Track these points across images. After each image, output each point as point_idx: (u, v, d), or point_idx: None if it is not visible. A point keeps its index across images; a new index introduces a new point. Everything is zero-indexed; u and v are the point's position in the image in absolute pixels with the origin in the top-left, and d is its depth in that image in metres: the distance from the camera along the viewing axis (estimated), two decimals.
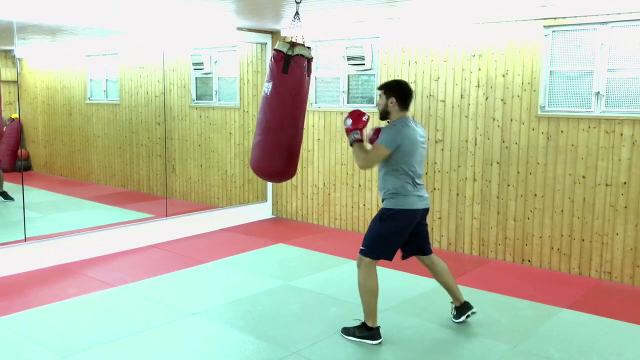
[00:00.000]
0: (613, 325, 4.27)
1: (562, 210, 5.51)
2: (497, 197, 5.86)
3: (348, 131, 3.85)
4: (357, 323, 3.98)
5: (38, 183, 9.06)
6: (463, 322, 4.18)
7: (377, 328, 3.89)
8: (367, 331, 3.88)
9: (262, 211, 7.75)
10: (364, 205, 6.89)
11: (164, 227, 6.58)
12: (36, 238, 5.58)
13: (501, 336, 4.02)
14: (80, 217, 7.51)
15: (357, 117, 3.83)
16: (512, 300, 4.72)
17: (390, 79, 6.44)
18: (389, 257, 3.90)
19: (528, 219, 5.71)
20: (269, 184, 7.77)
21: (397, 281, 5.18)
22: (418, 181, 3.84)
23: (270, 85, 4.04)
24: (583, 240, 5.41)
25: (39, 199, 7.93)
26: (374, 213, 6.76)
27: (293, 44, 4.01)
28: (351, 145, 3.85)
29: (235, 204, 7.86)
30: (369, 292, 3.86)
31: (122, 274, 5.33)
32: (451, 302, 4.23)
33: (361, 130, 3.82)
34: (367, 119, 3.85)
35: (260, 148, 4.17)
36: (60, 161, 9.93)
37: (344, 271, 5.48)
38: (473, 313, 4.16)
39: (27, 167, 9.88)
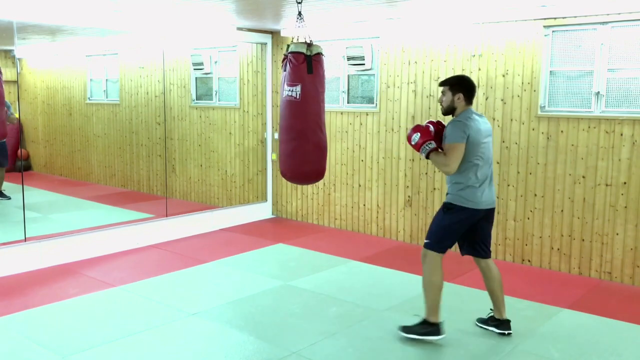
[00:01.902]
0: (613, 325, 4.27)
1: (562, 210, 5.50)
2: (497, 197, 5.86)
3: (418, 146, 3.86)
4: (417, 320, 3.94)
5: (38, 183, 9.05)
6: (481, 327, 4.13)
7: (440, 323, 3.88)
8: (430, 327, 3.87)
9: (262, 211, 7.75)
10: (364, 205, 6.89)
11: (164, 227, 6.58)
12: (36, 238, 5.58)
13: (501, 336, 4.02)
14: (80, 217, 7.51)
15: (425, 130, 3.87)
16: (512, 300, 4.71)
17: (391, 79, 6.47)
18: (448, 248, 3.90)
19: (528, 219, 5.71)
20: (269, 184, 7.78)
21: (397, 281, 5.18)
22: (485, 176, 3.83)
23: (298, 88, 3.97)
24: (583, 240, 5.41)
25: (39, 199, 7.93)
26: (374, 213, 6.78)
27: (308, 44, 4.01)
28: (427, 157, 3.86)
29: (235, 204, 7.86)
30: (434, 287, 3.84)
31: (122, 274, 5.33)
32: (491, 309, 4.13)
33: (432, 139, 3.85)
34: (432, 130, 3.89)
35: (302, 152, 4.06)
36: (60, 161, 9.93)
37: (344, 271, 5.48)
38: (509, 334, 4.01)
39: (27, 167, 9.87)
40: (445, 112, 3.92)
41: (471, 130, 3.73)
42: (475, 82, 5.84)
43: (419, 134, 3.86)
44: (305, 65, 3.97)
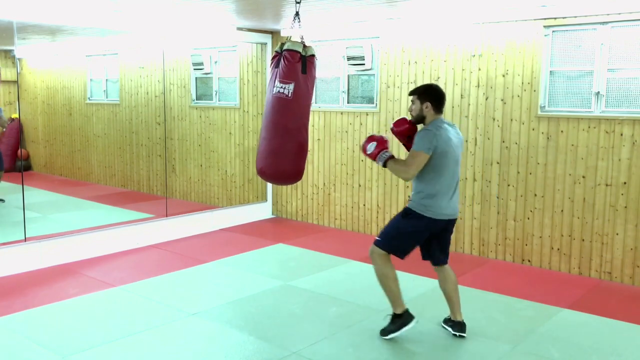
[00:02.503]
0: (613, 325, 4.27)
1: (562, 210, 5.51)
2: (497, 197, 5.86)
3: (374, 155, 3.86)
4: (388, 319, 3.97)
5: (38, 183, 9.05)
6: (443, 327, 4.15)
7: (406, 311, 3.91)
8: (400, 319, 3.90)
9: (262, 211, 7.75)
10: (364, 205, 6.89)
11: (164, 227, 6.58)
12: (36, 238, 5.58)
13: (501, 336, 4.02)
14: (80, 217, 7.51)
15: (381, 140, 3.87)
16: (512, 300, 4.72)
17: (391, 79, 6.47)
18: (401, 256, 3.89)
19: (528, 219, 5.71)
20: (269, 184, 7.77)
21: None
22: (449, 186, 3.80)
23: (291, 86, 3.96)
24: (583, 240, 5.41)
25: (39, 199, 7.93)
26: (374, 213, 6.78)
27: (304, 44, 4.01)
28: (384, 166, 3.85)
29: (235, 204, 7.86)
30: (389, 279, 3.87)
31: (122, 274, 5.33)
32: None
33: (388, 149, 3.87)
34: (388, 139, 3.91)
35: (285, 151, 4.05)
36: (60, 161, 9.93)
37: (344, 271, 5.48)
38: (461, 336, 4.01)
39: (27, 167, 9.88)
40: (416, 122, 3.90)
41: (439, 141, 3.70)
42: (476, 82, 5.88)
43: (374, 143, 3.85)
44: (300, 64, 3.97)
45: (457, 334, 4.01)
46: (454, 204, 3.86)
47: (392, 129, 4.00)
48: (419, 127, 3.94)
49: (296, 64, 3.95)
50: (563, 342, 3.95)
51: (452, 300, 4.05)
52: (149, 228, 6.44)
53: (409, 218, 3.83)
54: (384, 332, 3.96)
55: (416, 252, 4.00)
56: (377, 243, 3.90)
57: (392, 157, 3.85)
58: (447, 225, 3.91)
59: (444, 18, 5.91)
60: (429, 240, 3.93)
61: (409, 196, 6.44)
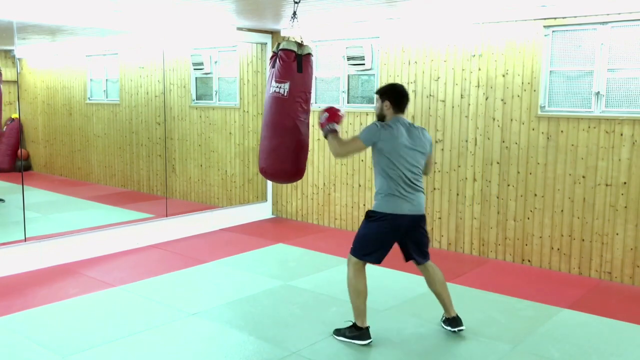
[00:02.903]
0: (613, 325, 4.27)
1: (562, 210, 5.51)
2: (497, 197, 5.87)
3: (323, 125, 3.95)
4: (349, 324, 3.97)
5: (38, 183, 9.05)
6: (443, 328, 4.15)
7: (367, 328, 3.89)
8: (356, 331, 3.89)
9: (262, 211, 7.75)
10: (364, 205, 6.88)
11: (164, 227, 6.58)
12: (36, 238, 5.58)
13: (501, 336, 4.02)
14: (80, 217, 7.51)
15: (333, 112, 3.96)
16: (512, 300, 4.72)
17: (390, 79, 6.47)
18: (374, 261, 3.87)
19: (528, 219, 5.71)
20: (269, 184, 7.77)
21: (397, 281, 5.17)
22: (407, 185, 3.79)
23: (287, 85, 3.99)
24: (583, 240, 5.41)
25: (39, 199, 7.92)
26: None
27: (300, 43, 4.03)
28: (325, 136, 3.94)
29: (235, 204, 7.86)
30: (356, 292, 3.88)
31: (122, 274, 5.33)
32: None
33: (338, 123, 3.95)
34: (343, 116, 4.00)
35: (284, 150, 4.08)
36: (60, 161, 9.93)
37: (344, 271, 5.43)
38: (460, 330, 4.03)
39: (27, 167, 9.88)
40: (378, 119, 3.95)
41: (382, 136, 3.74)
42: (476, 82, 5.88)
43: (327, 114, 3.95)
44: (296, 63, 3.98)
45: (456, 329, 4.02)
46: (417, 201, 3.84)
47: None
48: None
49: (292, 63, 3.99)
50: (563, 342, 3.95)
51: (441, 297, 4.06)
52: (149, 228, 6.44)
53: (373, 220, 3.83)
54: (338, 332, 3.97)
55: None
56: (351, 251, 3.91)
57: (335, 131, 3.92)
58: (414, 223, 3.88)
59: (444, 18, 5.91)
60: (404, 241, 3.94)
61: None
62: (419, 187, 3.86)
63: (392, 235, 3.86)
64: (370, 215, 3.87)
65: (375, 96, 3.98)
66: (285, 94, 4.00)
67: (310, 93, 4.17)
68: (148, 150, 8.67)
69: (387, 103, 3.86)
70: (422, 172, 3.92)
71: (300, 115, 4.09)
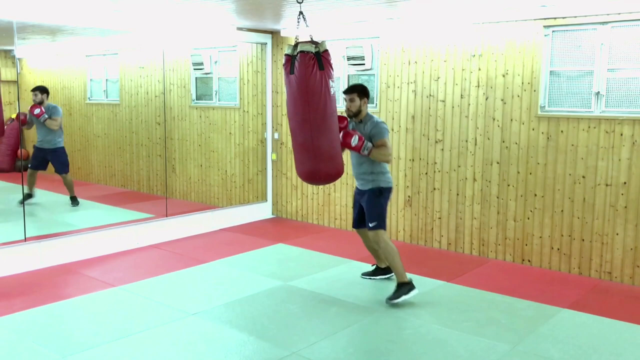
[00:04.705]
0: (613, 325, 4.27)
1: (562, 210, 5.50)
2: (497, 197, 5.87)
3: (359, 147, 4.47)
4: (394, 288, 4.61)
5: (38, 183, 9.04)
6: (369, 279, 5.12)
7: (411, 280, 4.62)
8: (407, 287, 4.57)
9: (262, 211, 7.75)
10: None
11: (164, 227, 6.58)
12: (36, 238, 5.58)
13: (501, 336, 4.02)
14: (80, 217, 7.51)
15: (357, 133, 4.50)
16: (512, 300, 4.72)
17: (390, 79, 6.47)
18: (385, 227, 4.72)
19: (528, 219, 5.71)
20: (269, 184, 7.78)
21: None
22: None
23: (285, 89, 4.17)
24: (583, 240, 5.41)
25: (39, 199, 7.92)
26: None
27: (296, 44, 3.99)
28: (369, 154, 4.51)
29: (235, 204, 7.86)
30: (396, 254, 4.61)
31: (122, 274, 5.33)
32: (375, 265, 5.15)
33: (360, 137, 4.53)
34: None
35: (294, 152, 4.33)
36: None
37: (344, 271, 5.48)
38: (388, 278, 5.05)
39: (27, 167, 9.87)
40: (354, 115, 4.66)
41: None
42: (476, 82, 5.88)
43: (357, 136, 4.45)
44: (289, 65, 4.06)
45: (387, 275, 5.06)
46: None
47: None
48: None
49: (285, 66, 4.06)
50: (563, 342, 3.95)
51: (375, 251, 4.96)
52: (149, 228, 6.44)
53: (384, 195, 4.65)
54: (394, 297, 4.53)
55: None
56: (377, 227, 4.62)
57: (372, 145, 4.53)
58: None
59: (444, 18, 5.91)
60: (362, 208, 4.75)
61: (408, 196, 6.44)
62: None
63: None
64: (381, 192, 4.63)
65: (349, 95, 4.66)
66: (287, 97, 4.21)
67: (308, 94, 4.07)
68: (148, 150, 8.67)
69: (365, 100, 4.66)
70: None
71: (302, 116, 4.09)
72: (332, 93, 4.05)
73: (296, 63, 3.95)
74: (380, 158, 4.53)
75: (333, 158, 4.13)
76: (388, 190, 4.68)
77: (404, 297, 4.52)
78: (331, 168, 4.14)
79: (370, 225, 4.62)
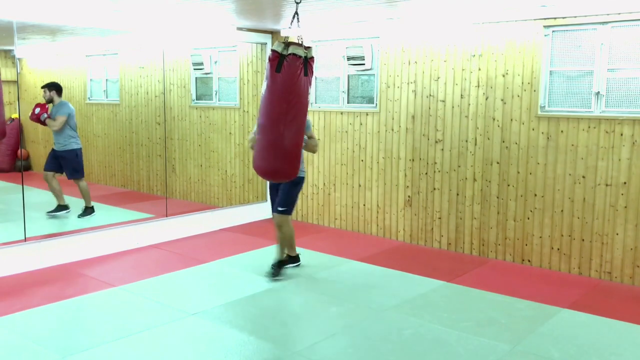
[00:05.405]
0: (613, 325, 4.27)
1: (562, 210, 5.51)
2: (497, 197, 5.87)
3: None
4: (283, 258, 5.30)
5: (38, 183, 9.04)
6: (273, 270, 5.28)
7: (299, 254, 5.46)
8: (294, 260, 5.45)
9: (262, 211, 7.75)
10: (364, 205, 6.88)
11: (164, 227, 6.58)
12: (36, 238, 5.58)
13: (501, 336, 4.02)
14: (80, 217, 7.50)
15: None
16: (512, 300, 4.72)
17: (391, 79, 6.48)
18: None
19: (528, 219, 5.71)
20: (268, 184, 7.76)
21: (397, 281, 5.18)
22: None
23: (265, 84, 4.09)
24: (583, 240, 5.41)
25: (39, 199, 7.91)
26: (374, 213, 6.78)
27: (288, 44, 3.99)
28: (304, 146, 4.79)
29: (235, 204, 7.86)
30: (293, 236, 5.33)
31: (122, 274, 5.33)
32: (287, 255, 5.46)
33: None
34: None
35: (258, 147, 4.25)
36: None
37: (344, 271, 5.48)
38: (294, 265, 5.52)
39: (27, 167, 9.87)
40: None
41: None
42: (476, 82, 5.88)
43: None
44: (276, 63, 4.05)
45: (292, 264, 5.48)
46: None
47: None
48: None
49: (271, 63, 4.02)
50: (563, 342, 3.95)
51: (282, 243, 5.34)
52: (149, 228, 6.44)
53: (300, 184, 5.10)
54: (277, 271, 5.19)
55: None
56: (286, 212, 5.13)
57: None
58: None
59: (444, 18, 5.91)
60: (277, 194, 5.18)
61: (408, 196, 6.44)
62: None
63: None
64: (299, 181, 5.04)
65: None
66: (264, 93, 4.19)
67: (291, 94, 4.11)
68: (148, 150, 8.67)
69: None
70: None
71: (277, 114, 4.18)
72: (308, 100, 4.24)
73: (285, 63, 3.96)
74: (314, 148, 5.13)
75: (296, 160, 4.25)
76: (302, 180, 5.17)
77: (290, 266, 5.37)
78: (292, 170, 4.27)
79: (282, 209, 5.11)
